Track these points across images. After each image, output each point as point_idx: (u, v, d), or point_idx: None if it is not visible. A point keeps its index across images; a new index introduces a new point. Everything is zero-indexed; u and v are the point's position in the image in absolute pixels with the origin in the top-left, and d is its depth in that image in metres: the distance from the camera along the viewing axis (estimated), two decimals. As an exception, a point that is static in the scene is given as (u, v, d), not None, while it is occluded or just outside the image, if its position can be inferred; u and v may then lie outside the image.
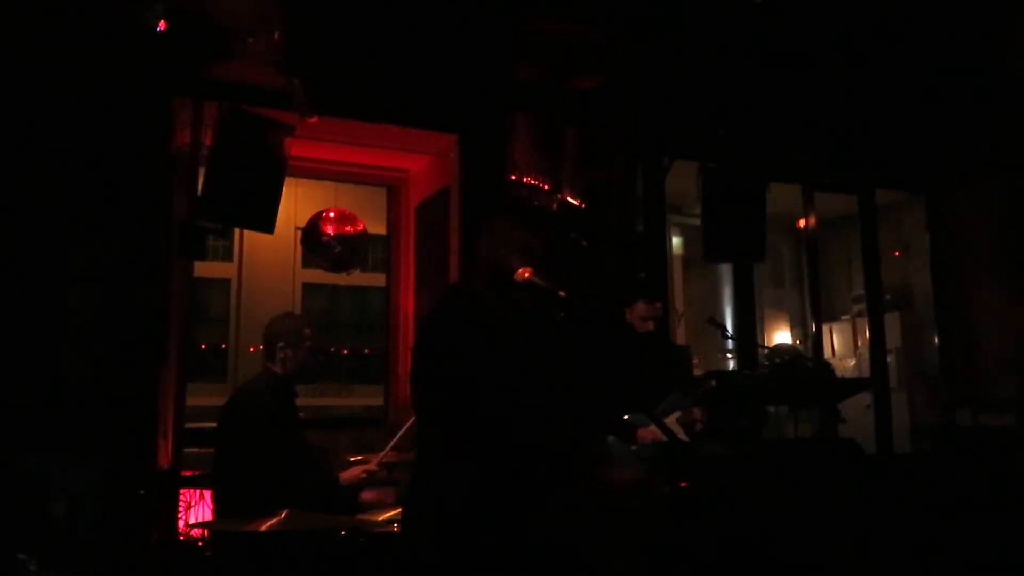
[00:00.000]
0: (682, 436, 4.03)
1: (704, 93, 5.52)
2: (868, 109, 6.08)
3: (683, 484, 3.35)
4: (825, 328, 7.74)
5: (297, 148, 4.46)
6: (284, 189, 4.41)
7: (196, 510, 4.19)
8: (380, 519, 2.79)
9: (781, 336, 9.10)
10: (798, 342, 8.72)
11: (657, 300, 4.47)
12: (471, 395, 2.16)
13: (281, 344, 3.51)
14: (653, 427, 4.03)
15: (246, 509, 2.78)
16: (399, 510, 2.91)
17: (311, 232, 5.79)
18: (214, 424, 3.65)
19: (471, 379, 2.17)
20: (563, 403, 2.33)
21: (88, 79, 3.92)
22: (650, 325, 4.42)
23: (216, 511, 3.50)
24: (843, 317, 8.74)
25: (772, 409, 5.23)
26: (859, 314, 7.95)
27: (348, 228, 5.76)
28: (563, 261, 2.60)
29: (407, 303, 5.77)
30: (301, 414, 3.70)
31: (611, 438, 4.06)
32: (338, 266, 5.81)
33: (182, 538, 3.99)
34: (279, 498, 2.72)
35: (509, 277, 2.29)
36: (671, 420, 4.06)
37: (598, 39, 5.05)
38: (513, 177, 4.92)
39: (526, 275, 2.31)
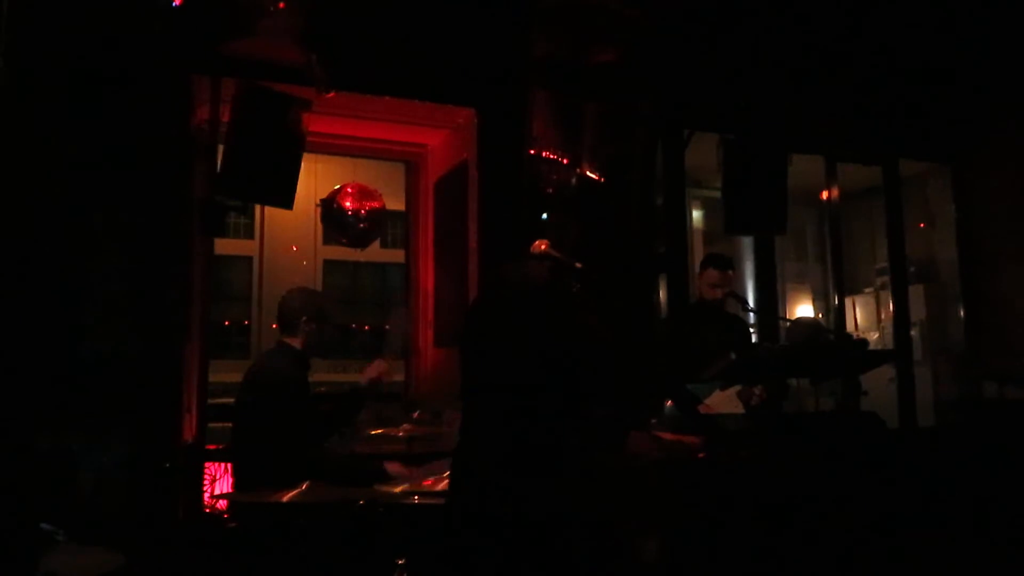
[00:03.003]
0: (740, 410, 4.05)
1: (724, 65, 5.45)
2: (892, 78, 5.98)
3: (701, 456, 3.36)
4: (848, 301, 7.67)
5: (315, 124, 4.47)
6: (303, 165, 4.42)
7: (220, 483, 4.26)
8: (398, 491, 2.82)
9: (803, 310, 9.03)
10: (820, 316, 8.65)
11: (729, 268, 4.47)
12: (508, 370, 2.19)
13: (305, 318, 3.51)
14: (712, 398, 4.05)
15: (267, 481, 2.82)
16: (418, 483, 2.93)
17: (331, 208, 5.82)
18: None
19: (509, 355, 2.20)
20: (588, 374, 2.34)
21: (106, 56, 3.94)
22: (719, 292, 4.43)
23: (236, 484, 3.54)
24: (866, 290, 8.64)
25: (794, 382, 5.20)
26: (883, 287, 7.85)
27: (367, 203, 5.79)
28: (582, 235, 2.59)
29: (426, 279, 5.79)
30: (322, 389, 3.73)
31: (670, 405, 4.07)
32: (358, 241, 5.83)
33: (207, 510, 4.06)
34: (308, 472, 2.75)
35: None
36: (730, 393, 4.06)
37: (617, 11, 4.99)
38: (532, 152, 4.90)
39: (542, 247, 2.32)
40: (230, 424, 3.69)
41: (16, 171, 3.70)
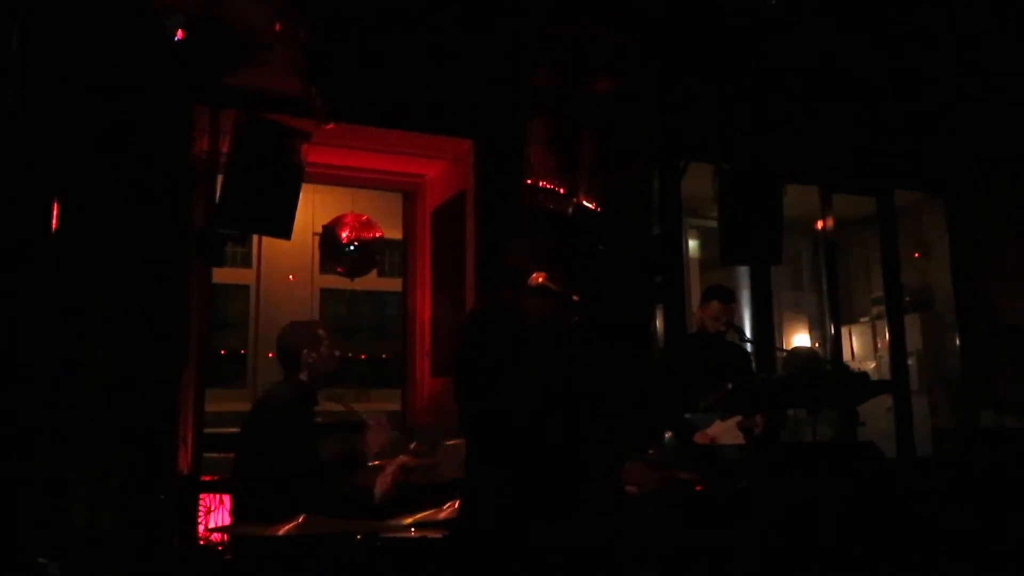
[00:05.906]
0: (741, 440, 4.04)
1: (720, 95, 5.51)
2: (886, 109, 6.04)
3: (699, 488, 3.35)
4: (844, 330, 7.68)
5: (314, 154, 4.49)
6: (301, 195, 4.44)
7: (216, 515, 4.23)
8: (396, 524, 2.80)
9: (799, 339, 9.04)
10: (817, 345, 8.65)
11: (732, 301, 4.49)
12: (504, 400, 2.19)
13: (306, 351, 3.51)
14: (712, 428, 4.04)
15: (269, 514, 2.80)
16: (418, 516, 2.91)
17: (328, 238, 5.83)
18: (234, 429, 3.66)
19: (503, 385, 2.20)
20: (587, 406, 2.33)
21: (108, 87, 3.97)
22: (721, 325, 4.43)
23: (237, 516, 3.52)
24: (862, 319, 8.66)
25: (791, 412, 5.19)
26: (878, 316, 7.87)
27: (364, 233, 5.81)
28: (579, 265, 2.60)
29: (423, 308, 5.79)
30: (319, 419, 3.71)
31: (669, 436, 4.06)
32: (355, 271, 5.84)
33: (202, 542, 4.02)
34: (308, 505, 2.73)
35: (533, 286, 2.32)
36: (731, 423, 4.05)
37: (614, 42, 5.05)
38: (529, 181, 4.92)
39: (539, 280, 2.32)
40: (226, 454, 3.67)
41: (18, 198, 3.71)
